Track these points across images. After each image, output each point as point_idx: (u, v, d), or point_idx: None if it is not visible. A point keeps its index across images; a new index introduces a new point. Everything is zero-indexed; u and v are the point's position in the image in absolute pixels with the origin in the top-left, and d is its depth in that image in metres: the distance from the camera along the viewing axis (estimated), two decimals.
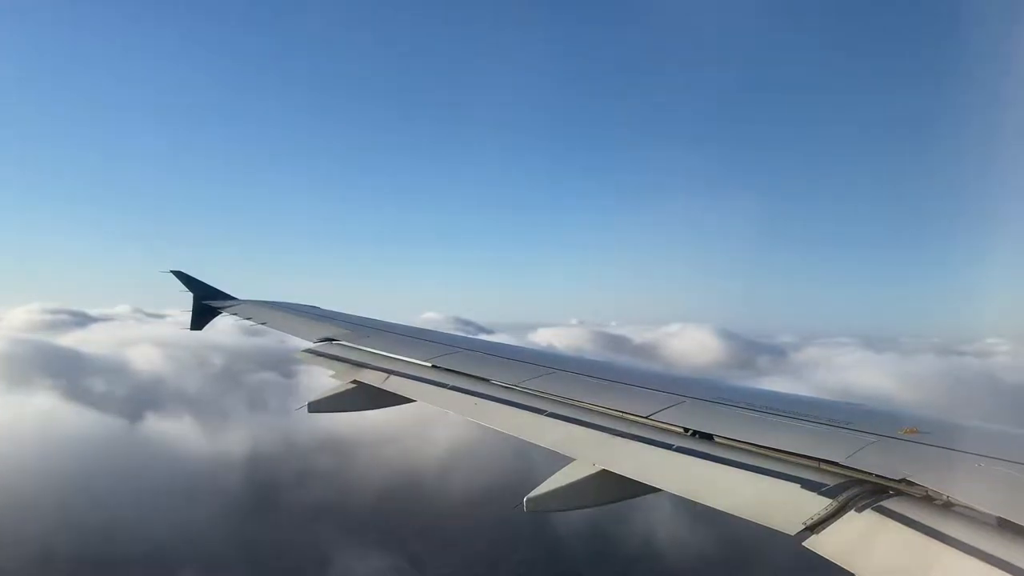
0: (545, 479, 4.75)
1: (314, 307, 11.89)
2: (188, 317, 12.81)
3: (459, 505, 68.07)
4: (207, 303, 12.83)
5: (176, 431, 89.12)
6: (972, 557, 3.08)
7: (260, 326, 11.22)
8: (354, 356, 8.22)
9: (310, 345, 9.05)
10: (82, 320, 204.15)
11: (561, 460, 4.99)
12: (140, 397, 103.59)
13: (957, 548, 3.15)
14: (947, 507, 3.51)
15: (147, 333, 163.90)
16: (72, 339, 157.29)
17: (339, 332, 9.32)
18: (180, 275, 13.06)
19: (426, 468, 77.58)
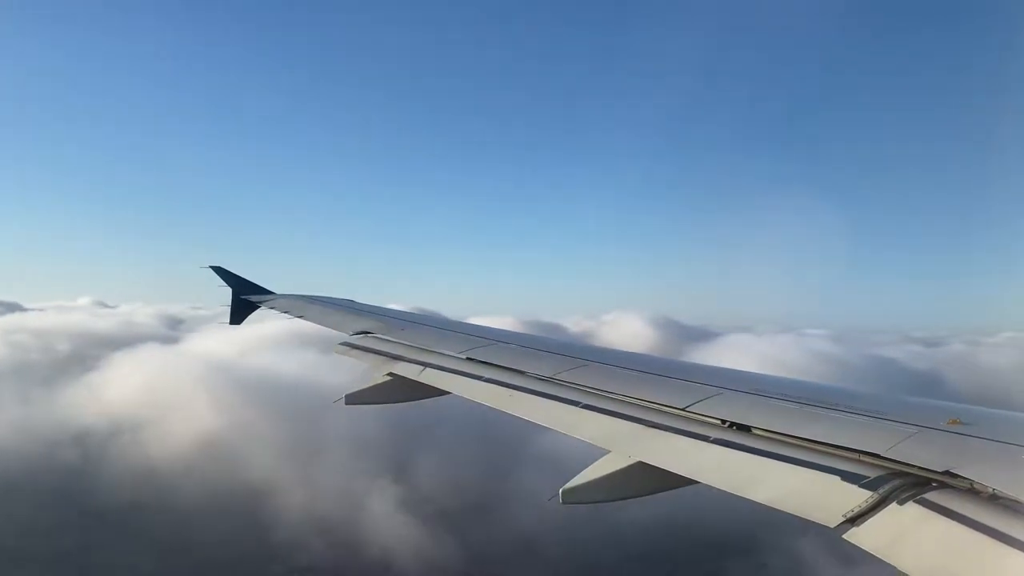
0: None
1: (350, 300, 12.03)
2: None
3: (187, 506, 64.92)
4: (245, 298, 13.04)
5: None
6: (1019, 551, 3.02)
7: (299, 319, 11.38)
8: (390, 349, 8.30)
9: (347, 338, 9.18)
10: (5, 310, 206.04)
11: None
12: None
13: (1003, 542, 3.10)
14: (993, 500, 3.44)
15: (40, 324, 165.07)
16: None
17: (375, 325, 9.43)
18: (219, 270, 13.28)
19: (160, 464, 74.36)
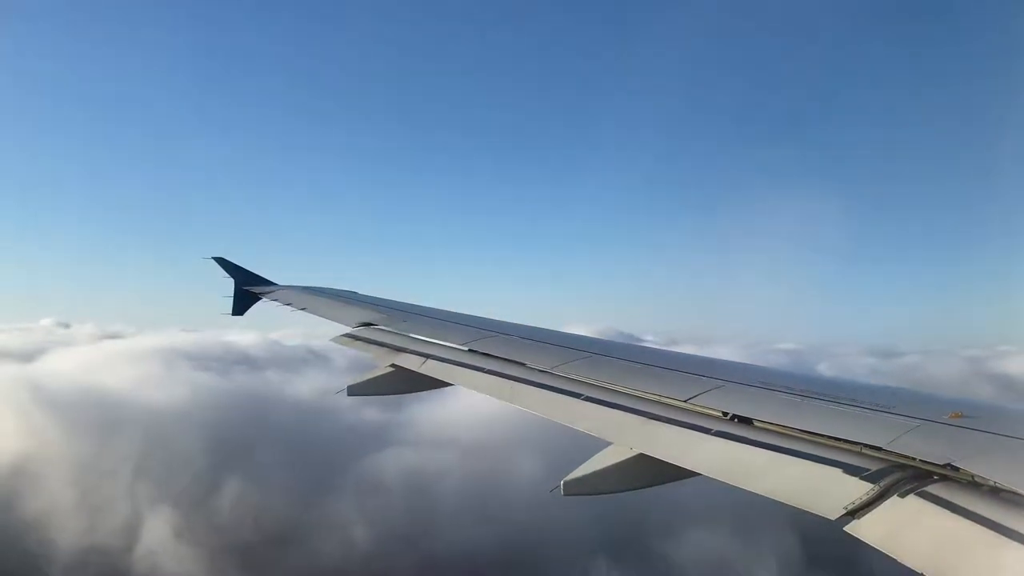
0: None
1: (352, 292, 12.04)
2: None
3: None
4: (248, 289, 13.06)
5: None
6: (1019, 544, 3.03)
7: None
8: (392, 340, 8.32)
9: (349, 329, 9.19)
10: None
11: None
12: None
13: (1003, 534, 3.10)
14: (993, 493, 3.44)
15: None
16: None
17: (377, 317, 9.44)
18: (221, 261, 13.30)
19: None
